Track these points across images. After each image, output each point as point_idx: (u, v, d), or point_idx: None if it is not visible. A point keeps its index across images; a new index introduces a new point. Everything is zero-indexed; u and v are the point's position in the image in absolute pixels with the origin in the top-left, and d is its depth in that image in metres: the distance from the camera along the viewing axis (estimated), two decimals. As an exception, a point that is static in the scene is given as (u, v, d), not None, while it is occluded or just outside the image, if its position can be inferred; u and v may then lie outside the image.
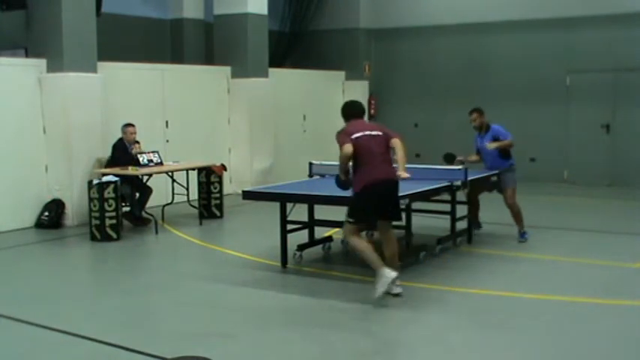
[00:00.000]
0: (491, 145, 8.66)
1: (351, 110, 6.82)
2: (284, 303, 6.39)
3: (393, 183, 6.51)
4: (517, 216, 8.89)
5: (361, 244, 6.48)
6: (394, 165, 6.61)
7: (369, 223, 6.76)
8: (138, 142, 9.86)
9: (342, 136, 6.50)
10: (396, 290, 6.47)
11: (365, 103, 15.86)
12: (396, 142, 6.55)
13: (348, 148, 6.35)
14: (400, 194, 7.02)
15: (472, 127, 9.05)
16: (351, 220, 6.45)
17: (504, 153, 8.83)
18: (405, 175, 6.46)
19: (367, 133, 6.51)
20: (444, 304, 6.42)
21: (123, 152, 9.77)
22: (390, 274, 6.22)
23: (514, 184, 8.80)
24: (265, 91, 13.03)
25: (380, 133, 6.58)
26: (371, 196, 6.39)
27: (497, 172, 8.78)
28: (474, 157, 9.11)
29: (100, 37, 10.29)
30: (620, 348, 5.34)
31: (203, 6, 13.85)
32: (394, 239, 6.67)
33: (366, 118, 7.00)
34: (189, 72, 12.55)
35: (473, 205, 9.01)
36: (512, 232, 9.42)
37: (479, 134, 9.02)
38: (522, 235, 8.93)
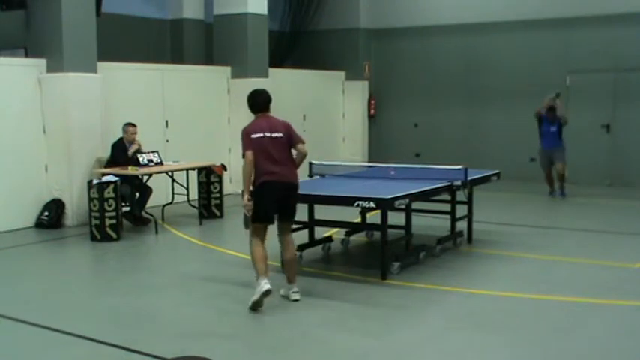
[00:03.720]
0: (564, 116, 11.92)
1: (256, 102, 6.42)
2: (283, 303, 6.39)
3: (291, 186, 6.36)
4: (563, 181, 12.00)
5: (254, 248, 6.27)
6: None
7: (267, 221, 6.36)
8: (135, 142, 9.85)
9: (244, 139, 6.23)
10: (294, 297, 6.39)
11: (365, 103, 15.97)
12: (301, 150, 6.35)
13: (249, 156, 6.20)
14: (400, 194, 7.03)
15: (546, 113, 11.97)
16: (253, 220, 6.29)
17: (560, 135, 11.95)
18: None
19: (267, 135, 6.24)
20: (443, 304, 6.42)
21: (123, 152, 9.77)
22: (264, 286, 6.02)
23: (564, 160, 12.02)
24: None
25: (281, 135, 6.28)
26: (266, 194, 6.26)
27: (497, 172, 9.21)
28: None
29: (100, 37, 10.29)
30: (620, 348, 5.34)
31: (203, 6, 13.84)
32: (293, 244, 6.57)
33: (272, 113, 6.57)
34: (189, 72, 12.55)
35: (548, 178, 12.19)
36: (512, 232, 9.43)
37: (547, 120, 11.95)
38: (562, 193, 12.06)
